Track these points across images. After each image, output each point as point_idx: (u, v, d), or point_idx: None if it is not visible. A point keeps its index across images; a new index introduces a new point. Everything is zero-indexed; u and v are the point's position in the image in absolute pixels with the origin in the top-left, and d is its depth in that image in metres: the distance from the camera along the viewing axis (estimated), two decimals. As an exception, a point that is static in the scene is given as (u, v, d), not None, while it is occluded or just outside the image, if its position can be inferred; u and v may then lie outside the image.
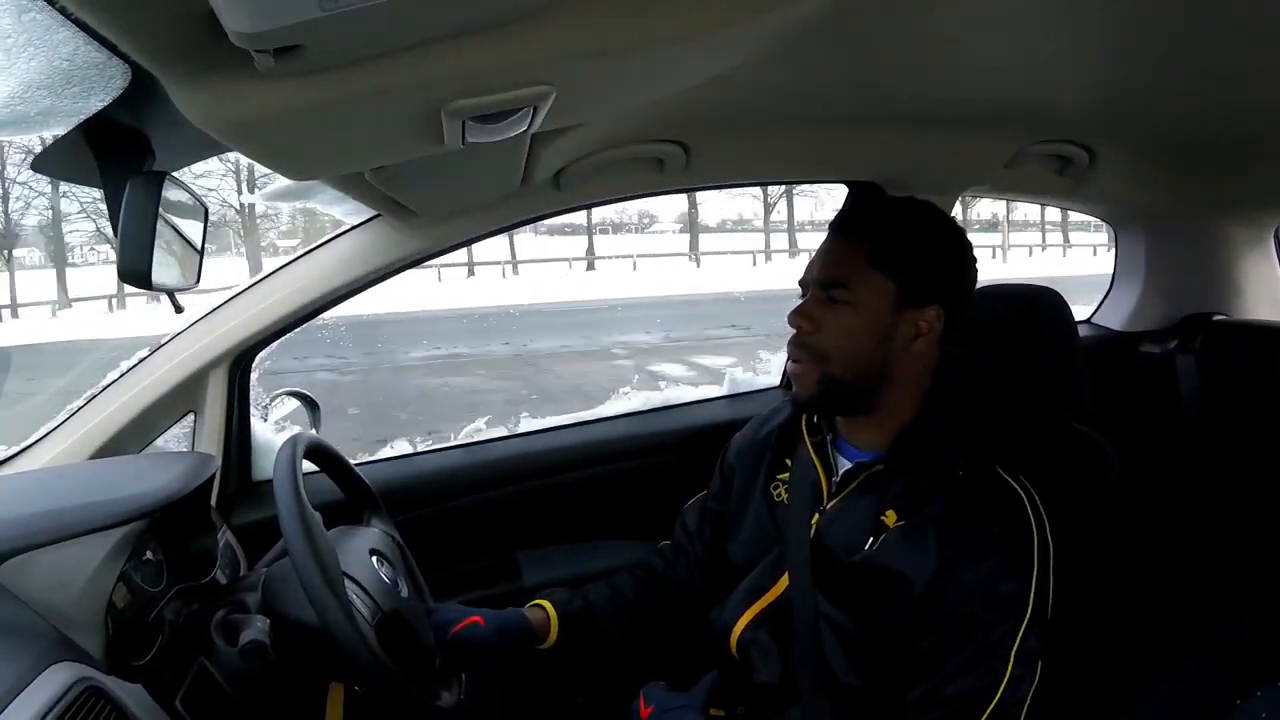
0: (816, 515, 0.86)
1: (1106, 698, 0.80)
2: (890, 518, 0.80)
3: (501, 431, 1.38)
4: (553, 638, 0.94)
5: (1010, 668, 0.73)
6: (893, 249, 0.81)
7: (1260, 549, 1.18)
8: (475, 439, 1.35)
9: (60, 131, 0.57)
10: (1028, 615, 0.74)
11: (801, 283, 0.87)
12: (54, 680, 0.62)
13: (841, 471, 0.86)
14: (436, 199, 1.01)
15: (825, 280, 0.83)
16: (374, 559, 0.90)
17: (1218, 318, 1.48)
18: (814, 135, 1.17)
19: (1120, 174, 1.35)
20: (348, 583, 0.81)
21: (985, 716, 0.73)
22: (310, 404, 1.28)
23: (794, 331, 0.84)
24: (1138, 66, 0.90)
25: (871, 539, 0.80)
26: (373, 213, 1.09)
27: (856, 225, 0.85)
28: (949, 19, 0.75)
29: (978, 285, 0.88)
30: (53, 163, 0.68)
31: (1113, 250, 1.65)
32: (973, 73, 0.95)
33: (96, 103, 0.50)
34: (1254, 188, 1.39)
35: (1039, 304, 1.02)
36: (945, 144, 1.21)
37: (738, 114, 1.08)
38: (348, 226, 1.13)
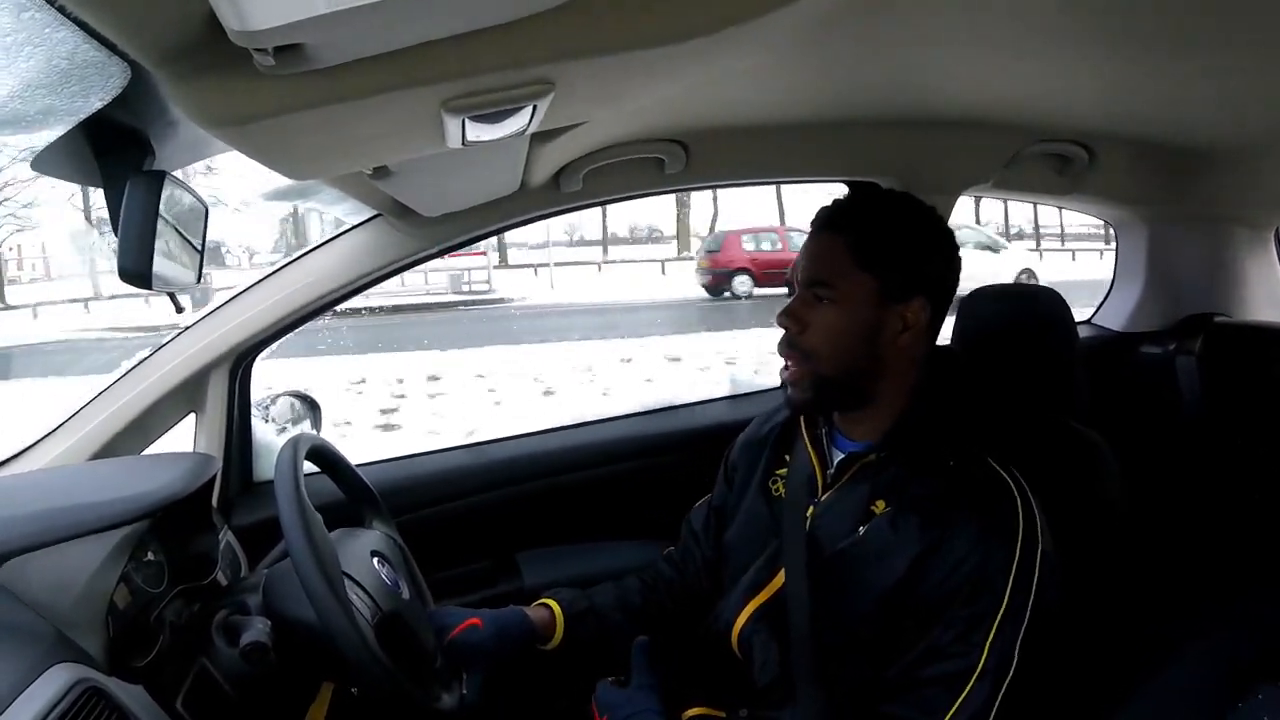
0: (811, 508, 0.86)
1: (1103, 698, 0.79)
2: (879, 506, 0.81)
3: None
4: (558, 638, 0.93)
5: (985, 656, 0.72)
6: (874, 245, 0.82)
7: (1260, 550, 1.18)
8: (476, 440, 1.35)
9: (59, 130, 0.57)
10: (1004, 605, 0.73)
11: (787, 283, 0.88)
12: (54, 681, 0.61)
13: (835, 463, 0.87)
14: (437, 198, 1.01)
15: (809, 280, 0.83)
16: (375, 560, 0.90)
17: (1218, 319, 1.47)
18: (814, 135, 1.18)
19: (1120, 174, 1.35)
20: (348, 583, 0.80)
21: (957, 704, 0.72)
22: (311, 405, 1.28)
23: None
24: (1137, 67, 0.90)
25: (862, 527, 0.81)
26: (373, 212, 1.09)
27: (837, 223, 0.85)
28: (949, 20, 0.75)
29: (983, 286, 0.88)
30: (52, 162, 0.68)
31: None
32: (973, 73, 0.95)
33: (96, 101, 0.50)
34: (1254, 187, 1.38)
35: (1039, 304, 1.02)
36: (945, 144, 1.21)
37: (738, 114, 1.08)
38: (348, 226, 1.13)
